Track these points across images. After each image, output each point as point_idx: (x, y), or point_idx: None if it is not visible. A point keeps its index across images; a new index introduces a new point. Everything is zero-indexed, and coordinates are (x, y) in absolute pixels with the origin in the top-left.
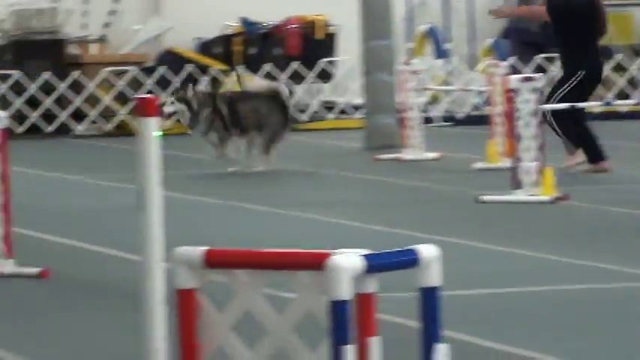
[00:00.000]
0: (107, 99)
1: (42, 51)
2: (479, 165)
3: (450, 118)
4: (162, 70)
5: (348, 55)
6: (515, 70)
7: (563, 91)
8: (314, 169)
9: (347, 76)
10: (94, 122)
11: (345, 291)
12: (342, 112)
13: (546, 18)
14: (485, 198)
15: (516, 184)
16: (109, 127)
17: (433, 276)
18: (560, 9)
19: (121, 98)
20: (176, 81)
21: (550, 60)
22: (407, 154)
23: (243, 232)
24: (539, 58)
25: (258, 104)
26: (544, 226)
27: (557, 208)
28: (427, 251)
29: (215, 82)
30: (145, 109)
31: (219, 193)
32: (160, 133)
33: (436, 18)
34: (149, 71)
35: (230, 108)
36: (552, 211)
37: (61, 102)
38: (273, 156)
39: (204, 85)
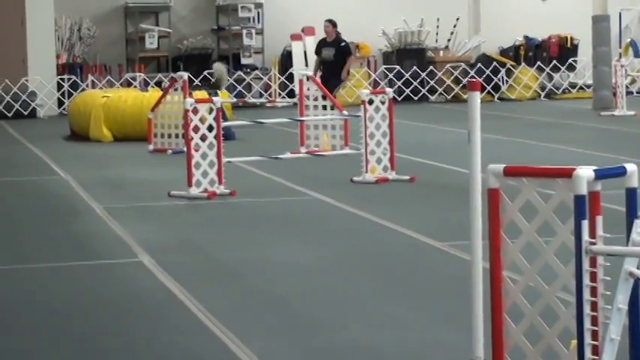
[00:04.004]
0: (448, 81)
1: (412, 54)
2: None
3: None
4: (478, 65)
5: (584, 56)
6: None
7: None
8: (560, 121)
9: (584, 68)
10: (440, 94)
11: (583, 189)
12: (581, 88)
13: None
14: None
15: None
16: (449, 97)
17: (633, 181)
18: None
19: (456, 81)
20: (486, 72)
21: None
22: (617, 112)
23: (512, 156)
24: None
25: None
26: None
27: None
28: (630, 167)
29: (508, 71)
30: (472, 87)
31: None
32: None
33: (635, 35)
34: (472, 66)
35: None
36: None
37: (422, 83)
38: None
39: None
